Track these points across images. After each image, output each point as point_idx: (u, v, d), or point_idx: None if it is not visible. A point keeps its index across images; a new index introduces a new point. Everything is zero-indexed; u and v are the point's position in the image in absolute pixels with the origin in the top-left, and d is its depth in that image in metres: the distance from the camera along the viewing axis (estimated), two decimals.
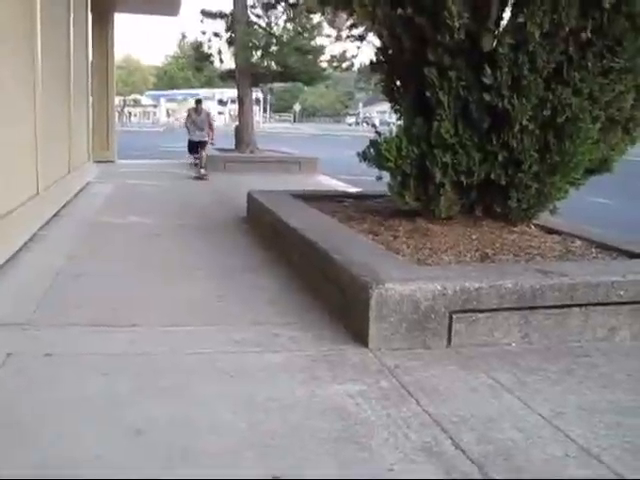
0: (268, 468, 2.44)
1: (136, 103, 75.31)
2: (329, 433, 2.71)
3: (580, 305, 3.86)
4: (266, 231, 6.36)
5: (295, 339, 3.71)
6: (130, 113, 67.37)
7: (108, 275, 5.08)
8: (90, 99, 12.05)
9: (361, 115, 73.02)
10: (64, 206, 8.21)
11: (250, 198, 7.46)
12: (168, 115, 69.42)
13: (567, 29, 4.59)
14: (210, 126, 13.05)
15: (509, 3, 4.89)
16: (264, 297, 4.48)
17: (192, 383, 3.16)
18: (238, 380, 3.20)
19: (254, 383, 3.18)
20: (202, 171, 12.28)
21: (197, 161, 12.74)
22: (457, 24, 4.66)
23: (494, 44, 4.81)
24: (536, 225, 5.40)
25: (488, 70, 4.66)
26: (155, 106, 77.13)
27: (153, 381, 3.16)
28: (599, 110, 4.84)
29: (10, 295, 4.52)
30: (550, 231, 5.28)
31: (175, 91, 75.49)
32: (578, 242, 4.97)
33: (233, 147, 15.62)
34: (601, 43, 4.62)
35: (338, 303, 4.05)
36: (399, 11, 4.80)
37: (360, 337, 3.64)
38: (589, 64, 4.66)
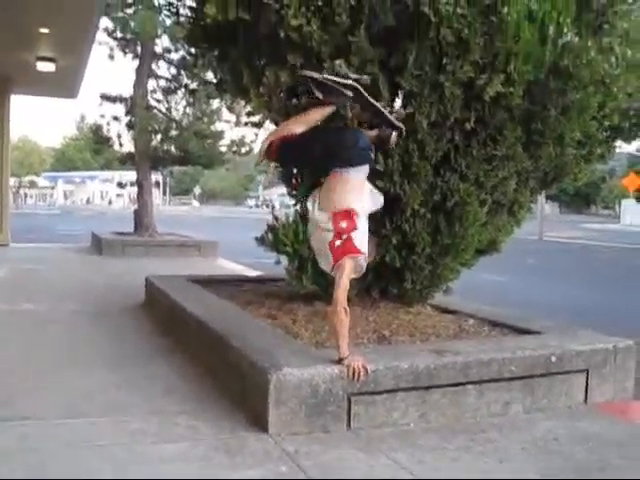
0: None
1: (32, 185, 73.63)
2: None
3: (474, 382, 3.98)
4: (164, 317, 6.27)
5: (194, 428, 3.63)
6: (26, 194, 65.73)
7: None
8: None
9: (261, 198, 73.79)
10: None
11: (148, 283, 7.36)
12: (65, 197, 68.03)
13: (452, 119, 4.84)
14: None
15: (399, 95, 5.13)
16: (162, 385, 4.38)
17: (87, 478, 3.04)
18: (135, 473, 3.10)
19: (152, 475, 3.09)
20: None
21: None
22: (350, 114, 4.85)
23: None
24: (431, 305, 5.56)
25: (380, 158, 4.84)
26: (52, 188, 75.56)
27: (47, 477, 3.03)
28: (485, 194, 5.08)
29: None
30: (445, 310, 5.44)
31: (73, 173, 74.34)
32: (471, 321, 5.14)
33: (132, 231, 15.44)
34: (484, 132, 4.89)
35: (237, 389, 4.01)
36: (294, 101, 4.96)
37: (260, 423, 3.60)
38: (474, 152, 4.91)
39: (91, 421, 3.76)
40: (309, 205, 3.76)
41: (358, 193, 3.83)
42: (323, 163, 3.80)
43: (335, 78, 3.82)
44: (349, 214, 3.73)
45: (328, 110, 3.79)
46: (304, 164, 3.70)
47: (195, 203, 61.27)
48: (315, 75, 3.78)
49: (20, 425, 3.65)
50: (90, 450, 3.36)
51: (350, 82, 3.81)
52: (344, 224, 3.70)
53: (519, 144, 4.95)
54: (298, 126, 3.78)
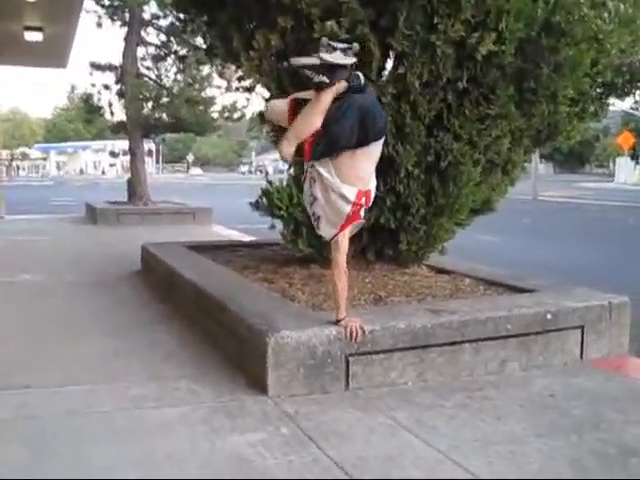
0: None
1: (24, 156, 73.17)
2: None
3: (471, 341, 4.01)
4: (161, 284, 6.29)
5: (194, 392, 3.67)
6: (18, 167, 65.33)
7: None
8: None
9: (254, 163, 73.45)
10: None
11: (144, 251, 7.37)
12: (58, 168, 67.71)
13: (445, 79, 4.82)
14: None
15: (390, 56, 5.09)
16: (161, 351, 4.41)
17: (89, 444, 3.07)
18: (137, 437, 3.14)
19: (153, 439, 3.13)
20: None
21: None
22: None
23: (378, 94, 5.00)
24: (427, 265, 5.59)
25: None
26: (44, 159, 75.10)
27: (48, 445, 3.06)
28: (479, 154, 5.07)
29: None
30: (440, 271, 5.47)
31: (65, 143, 73.84)
32: (467, 280, 5.17)
33: (126, 200, 15.40)
34: (477, 92, 4.86)
35: (236, 353, 4.05)
36: (285, 64, 4.92)
37: (259, 386, 3.64)
38: (467, 111, 4.89)
39: (91, 388, 3.79)
40: (323, 170, 3.69)
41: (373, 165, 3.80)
42: (359, 141, 3.69)
43: (333, 59, 3.67)
44: (370, 192, 3.74)
45: (335, 88, 3.67)
46: (342, 148, 3.60)
47: (196, 170, 60.62)
48: (311, 61, 3.67)
49: (20, 393, 3.68)
50: (91, 416, 3.39)
51: (349, 61, 3.68)
52: (364, 200, 3.70)
53: (512, 103, 4.94)
54: (317, 118, 3.66)
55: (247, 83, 6.34)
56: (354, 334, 3.65)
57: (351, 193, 3.65)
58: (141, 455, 2.97)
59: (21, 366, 4.16)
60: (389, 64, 5.18)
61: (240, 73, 6.24)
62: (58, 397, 3.65)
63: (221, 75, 13.62)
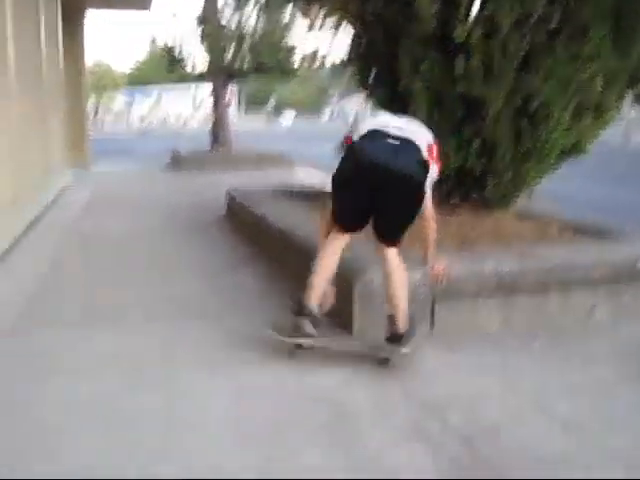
0: (259, 452, 2.49)
1: (108, 108, 74.72)
2: (320, 419, 2.77)
3: (558, 287, 3.95)
4: (246, 228, 6.40)
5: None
6: (103, 118, 66.83)
7: (94, 279, 5.10)
8: (63, 104, 11.97)
9: (336, 109, 72.91)
10: (42, 213, 8.18)
11: (229, 196, 7.49)
12: (141, 119, 68.97)
13: (535, 17, 4.66)
14: None
15: None
16: (250, 291, 4.54)
17: (182, 373, 3.21)
18: (227, 369, 3.26)
19: (243, 373, 3.24)
20: None
21: None
22: (429, 15, 4.72)
23: (466, 35, 4.87)
24: (513, 211, 5.48)
25: (461, 60, 4.73)
26: (128, 110, 76.51)
27: (146, 376, 3.21)
28: (569, 96, 4.91)
29: None
30: (527, 216, 5.35)
31: (148, 93, 74.94)
32: (555, 226, 5.04)
33: (209, 147, 15.59)
34: (569, 30, 4.69)
35: None
36: (371, 2, 4.85)
37: (346, 327, 3.70)
38: (558, 51, 4.73)
39: (188, 324, 3.94)
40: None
41: None
42: None
43: None
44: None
45: None
46: None
47: (282, 116, 60.46)
48: None
49: (122, 330, 3.88)
50: (180, 348, 3.57)
51: None
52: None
53: (606, 42, 4.73)
54: None
55: (331, 23, 6.27)
56: (440, 278, 3.64)
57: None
58: (233, 387, 3.09)
59: (119, 307, 4.35)
60: (477, 3, 5.03)
61: (324, 12, 6.17)
62: (150, 330, 3.82)
63: (305, 13, 13.47)
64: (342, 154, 3.51)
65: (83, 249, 6.26)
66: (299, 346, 3.37)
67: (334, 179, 3.47)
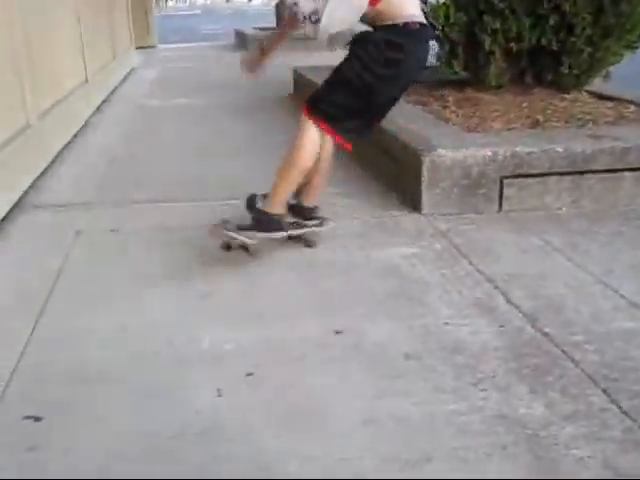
0: (329, 324, 2.59)
1: None
2: (386, 292, 2.84)
3: (632, 169, 3.84)
4: None
5: (349, 207, 3.81)
6: None
7: (161, 156, 5.21)
8: None
9: None
10: (112, 92, 8.28)
11: (296, 74, 7.42)
12: None
13: None
14: None
15: None
16: None
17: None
18: (296, 246, 3.34)
19: (313, 248, 3.31)
20: None
21: None
22: None
23: None
24: (589, 91, 5.28)
25: None
26: None
27: (215, 250, 3.32)
28: None
29: (72, 178, 4.68)
30: (603, 97, 5.16)
31: None
32: (632, 107, 4.86)
33: (274, 25, 15.28)
34: None
35: (390, 172, 4.11)
36: None
37: (413, 204, 3.72)
38: None
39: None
40: None
41: None
42: None
43: None
44: None
45: None
46: None
47: None
48: None
49: (192, 206, 3.98)
50: None
51: None
52: None
53: None
54: None
55: None
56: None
57: None
58: (302, 260, 3.18)
59: (188, 183, 4.45)
60: None
61: None
62: (222, 210, 3.90)
63: None
64: (392, 34, 2.89)
65: (155, 126, 6.37)
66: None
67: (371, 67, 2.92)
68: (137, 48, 12.22)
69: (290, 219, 3.16)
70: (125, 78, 9.65)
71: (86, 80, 6.74)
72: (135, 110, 7.23)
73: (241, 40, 14.17)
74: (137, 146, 5.57)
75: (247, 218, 3.12)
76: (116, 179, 4.60)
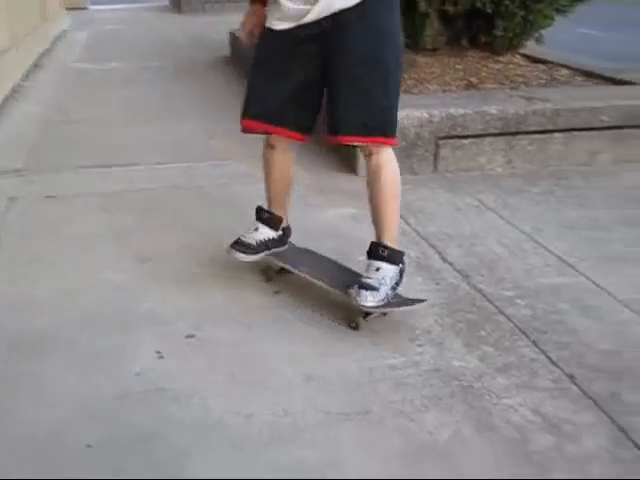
0: (269, 286, 2.64)
1: None
2: (326, 251, 2.87)
3: (562, 130, 3.96)
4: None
5: None
6: None
7: (96, 121, 5.10)
8: None
9: None
10: (42, 56, 8.03)
11: (232, 38, 7.32)
12: None
13: None
14: None
15: None
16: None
17: (190, 216, 3.30)
18: (233, 209, 3.34)
19: (250, 210, 3.31)
20: None
21: None
22: None
23: None
24: (522, 54, 5.37)
25: None
26: None
27: (155, 214, 3.30)
28: None
29: (3, 143, 4.55)
30: (536, 60, 5.25)
31: None
32: (563, 70, 4.97)
33: None
34: None
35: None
36: None
37: (350, 167, 3.75)
38: None
39: (190, 165, 3.99)
40: None
41: None
42: None
43: None
44: None
45: None
46: None
47: None
48: None
49: (129, 170, 3.93)
50: (191, 191, 3.62)
51: None
52: None
53: None
54: None
55: None
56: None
57: None
58: (241, 221, 3.18)
59: (125, 147, 4.38)
60: None
61: None
62: (161, 172, 3.88)
63: None
64: None
65: (87, 91, 6.23)
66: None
67: None
68: (68, 9, 11.84)
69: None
70: (55, 41, 9.36)
71: (13, 43, 6.50)
72: (67, 74, 7.03)
73: (176, 2, 13.86)
74: (71, 111, 5.43)
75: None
76: (50, 145, 4.50)
